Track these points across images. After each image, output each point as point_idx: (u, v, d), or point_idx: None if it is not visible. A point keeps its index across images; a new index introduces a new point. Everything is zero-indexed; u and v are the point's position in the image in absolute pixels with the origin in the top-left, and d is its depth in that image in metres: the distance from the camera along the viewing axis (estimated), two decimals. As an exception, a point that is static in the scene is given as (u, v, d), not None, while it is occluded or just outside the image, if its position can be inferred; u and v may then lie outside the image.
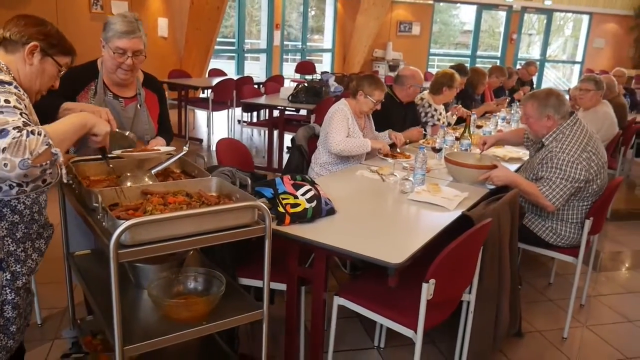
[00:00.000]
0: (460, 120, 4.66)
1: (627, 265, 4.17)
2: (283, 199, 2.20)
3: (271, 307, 2.40)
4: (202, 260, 2.27)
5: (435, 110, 4.43)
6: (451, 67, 5.17)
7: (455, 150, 3.56)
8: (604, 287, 3.69)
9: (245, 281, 2.35)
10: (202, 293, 1.93)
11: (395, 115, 3.95)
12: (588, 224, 2.81)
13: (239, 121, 7.61)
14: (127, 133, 2.18)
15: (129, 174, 2.11)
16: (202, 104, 7.24)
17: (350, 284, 2.44)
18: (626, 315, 3.28)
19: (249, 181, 2.12)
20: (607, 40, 16.15)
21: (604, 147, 2.99)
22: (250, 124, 7.04)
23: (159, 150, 2.21)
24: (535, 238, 2.95)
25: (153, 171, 2.16)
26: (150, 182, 2.05)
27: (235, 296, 2.02)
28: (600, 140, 2.95)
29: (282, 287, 2.31)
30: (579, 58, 16.77)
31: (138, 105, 2.47)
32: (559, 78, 18.06)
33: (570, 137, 2.80)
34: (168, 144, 2.53)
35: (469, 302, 2.38)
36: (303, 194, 2.24)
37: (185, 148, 2.37)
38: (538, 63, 15.82)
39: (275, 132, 5.93)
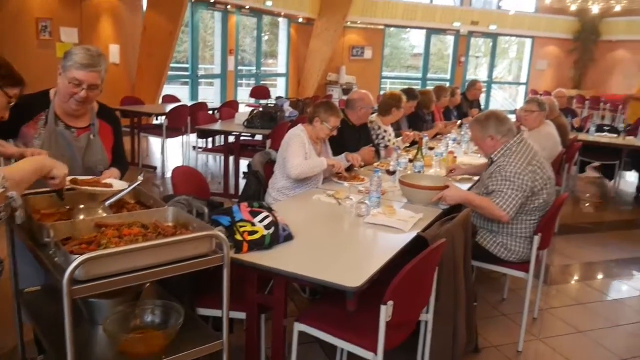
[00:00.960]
0: (413, 142, 4.78)
1: (576, 278, 4.33)
2: (240, 226, 2.20)
3: (231, 337, 2.38)
4: (159, 291, 2.23)
5: (385, 131, 4.55)
6: (401, 90, 5.32)
7: (409, 172, 3.64)
8: (554, 299, 3.82)
9: (204, 311, 2.32)
10: (159, 326, 1.89)
11: (349, 138, 4.03)
12: (537, 239, 2.93)
13: (194, 147, 7.55)
14: None
15: (81, 207, 2.07)
16: (156, 130, 7.15)
17: (309, 309, 2.44)
18: (577, 327, 3.41)
19: (206, 210, 2.12)
20: (549, 62, 16.96)
21: (549, 164, 3.14)
22: (206, 150, 6.99)
23: (111, 186, 2.17)
24: (488, 254, 3.05)
25: (107, 203, 2.12)
26: (104, 214, 2.02)
27: (194, 327, 2.00)
28: (545, 158, 3.11)
29: (242, 315, 2.30)
30: (523, 79, 17.51)
31: (91, 136, 2.44)
32: (506, 99, 18.80)
33: (516, 152, 2.97)
34: (123, 175, 2.50)
35: (426, 322, 2.43)
36: (260, 221, 2.25)
37: (140, 178, 2.34)
38: (485, 85, 16.48)
39: (231, 158, 5.91)
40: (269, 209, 2.38)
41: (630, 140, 6.80)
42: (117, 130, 2.61)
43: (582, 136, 6.83)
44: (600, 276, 4.41)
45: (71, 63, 2.24)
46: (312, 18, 13.78)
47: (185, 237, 1.74)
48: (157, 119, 7.99)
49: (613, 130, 7.33)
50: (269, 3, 11.69)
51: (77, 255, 1.51)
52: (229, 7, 11.23)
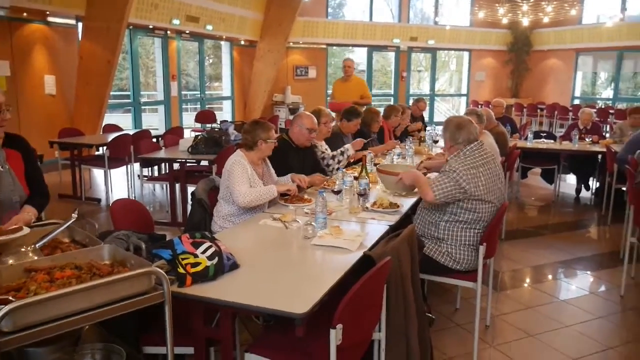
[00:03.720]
0: (359, 160, 4.82)
1: (524, 282, 4.44)
2: (183, 259, 2.14)
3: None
4: (101, 333, 2.13)
5: (316, 147, 4.55)
6: (344, 109, 5.39)
7: (355, 189, 3.64)
8: (505, 305, 3.90)
9: (151, 349, 2.23)
10: (100, 371, 1.81)
11: (293, 159, 4.01)
12: (482, 249, 2.99)
13: (139, 176, 7.36)
14: None
15: (12, 251, 1.97)
16: (98, 161, 6.93)
17: (260, 337, 2.39)
18: (528, 331, 3.48)
19: (143, 245, 2.05)
20: (487, 73, 17.60)
21: (500, 178, 3.22)
22: (151, 179, 6.82)
23: (21, 229, 2.06)
24: (436, 265, 3.09)
25: (38, 245, 2.03)
26: (35, 257, 1.92)
27: (139, 368, 1.91)
28: (500, 172, 3.22)
29: (191, 350, 2.22)
30: (464, 90, 18.08)
31: (0, 167, 2.33)
32: (449, 109, 19.34)
33: (465, 157, 3.11)
34: (44, 206, 2.40)
35: (379, 341, 2.42)
36: (203, 252, 2.19)
37: (74, 215, 2.26)
38: (428, 97, 16.93)
39: (178, 186, 5.79)
40: (212, 239, 2.33)
41: (566, 145, 7.09)
42: (28, 155, 2.53)
43: (521, 143, 7.08)
44: (547, 279, 4.54)
45: None
46: (255, 40, 13.82)
47: (120, 277, 1.67)
48: (98, 150, 7.76)
49: (550, 136, 7.63)
50: (209, 27, 11.64)
51: (2, 306, 1.42)
52: (168, 32, 11.11)
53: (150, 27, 10.32)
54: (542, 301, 4.00)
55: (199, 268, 2.13)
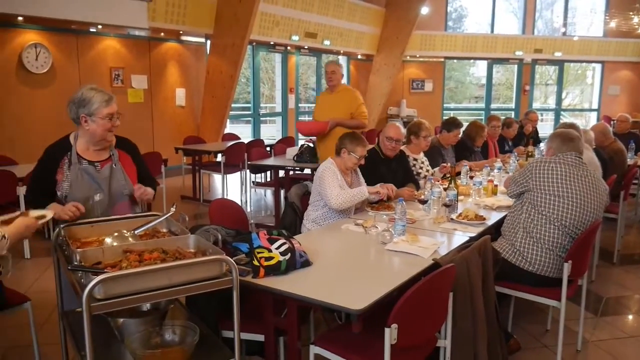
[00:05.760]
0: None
1: (631, 310, 4.10)
2: (258, 252, 2.35)
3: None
4: (184, 313, 2.40)
5: (416, 160, 4.57)
6: (444, 120, 5.36)
7: (442, 201, 3.65)
8: (603, 332, 3.64)
9: (228, 333, 2.46)
10: (178, 344, 2.05)
11: (382, 168, 4.08)
12: (567, 267, 2.87)
13: (253, 182, 7.88)
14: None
15: (115, 234, 2.31)
16: (216, 167, 7.54)
17: (327, 332, 2.52)
18: (625, 361, 3.25)
19: (219, 237, 2.29)
20: (622, 86, 16.24)
21: (599, 190, 3.10)
22: (259, 184, 7.28)
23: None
24: (511, 267, 3.03)
25: (137, 231, 2.35)
26: (133, 242, 2.23)
27: (212, 347, 2.14)
28: (598, 184, 3.10)
29: (262, 338, 2.42)
30: (595, 105, 16.83)
31: (113, 165, 2.73)
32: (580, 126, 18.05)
33: (552, 157, 3.12)
34: (155, 189, 2.85)
35: (445, 348, 2.44)
36: (277, 248, 2.38)
37: (172, 209, 2.57)
38: (553, 112, 16.00)
39: (282, 191, 6.13)
40: (288, 237, 2.51)
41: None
42: (137, 156, 2.90)
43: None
44: (660, 309, 4.16)
45: (97, 105, 2.54)
46: (371, 54, 14.06)
47: (193, 261, 1.91)
48: (217, 157, 8.42)
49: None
50: (327, 42, 12.09)
51: (95, 276, 1.70)
52: (288, 48, 11.72)
53: (272, 43, 10.97)
54: (649, 331, 3.69)
55: (272, 262, 2.33)
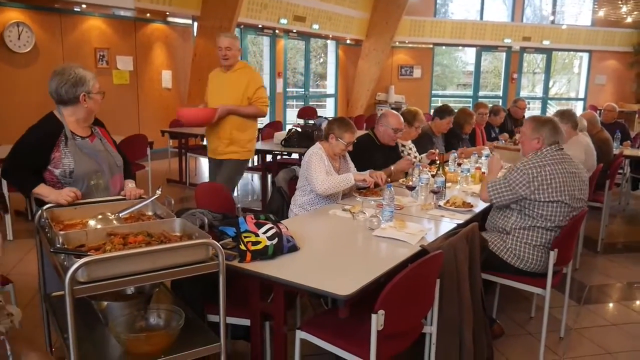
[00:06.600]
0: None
1: (613, 298, 4.16)
2: (245, 237, 2.32)
3: (241, 344, 2.50)
4: (170, 297, 2.38)
5: (404, 146, 4.55)
6: (436, 108, 5.35)
7: (430, 187, 3.65)
8: (586, 319, 3.69)
9: (213, 317, 2.44)
10: (162, 328, 2.03)
11: (377, 156, 4.06)
12: (553, 255, 2.88)
13: (238, 166, 7.80)
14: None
15: (99, 217, 2.27)
16: (202, 151, 7.45)
17: (313, 317, 2.52)
18: (606, 348, 3.28)
19: (206, 220, 2.26)
20: (608, 76, 16.34)
21: (583, 180, 3.09)
22: (247, 169, 7.21)
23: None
24: (499, 262, 3.04)
25: (122, 214, 2.31)
26: (118, 224, 2.20)
27: (197, 331, 2.12)
28: (581, 174, 3.07)
29: (248, 322, 2.41)
30: (581, 94, 16.94)
31: (100, 139, 2.73)
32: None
33: (538, 156, 3.01)
34: (133, 176, 2.88)
35: (431, 334, 2.45)
36: (264, 232, 2.36)
37: (158, 192, 2.54)
38: (540, 101, 16.08)
39: (269, 176, 6.10)
40: (275, 221, 2.49)
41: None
42: (108, 132, 2.92)
43: (632, 151, 6.54)
44: (641, 297, 4.22)
45: (92, 82, 2.63)
46: (360, 39, 13.97)
47: (179, 244, 1.88)
48: (203, 140, 8.33)
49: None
50: (315, 26, 11.97)
51: (77, 259, 1.67)
52: (277, 31, 11.59)
53: (260, 26, 10.84)
54: (630, 319, 3.74)
55: (259, 247, 2.30)
